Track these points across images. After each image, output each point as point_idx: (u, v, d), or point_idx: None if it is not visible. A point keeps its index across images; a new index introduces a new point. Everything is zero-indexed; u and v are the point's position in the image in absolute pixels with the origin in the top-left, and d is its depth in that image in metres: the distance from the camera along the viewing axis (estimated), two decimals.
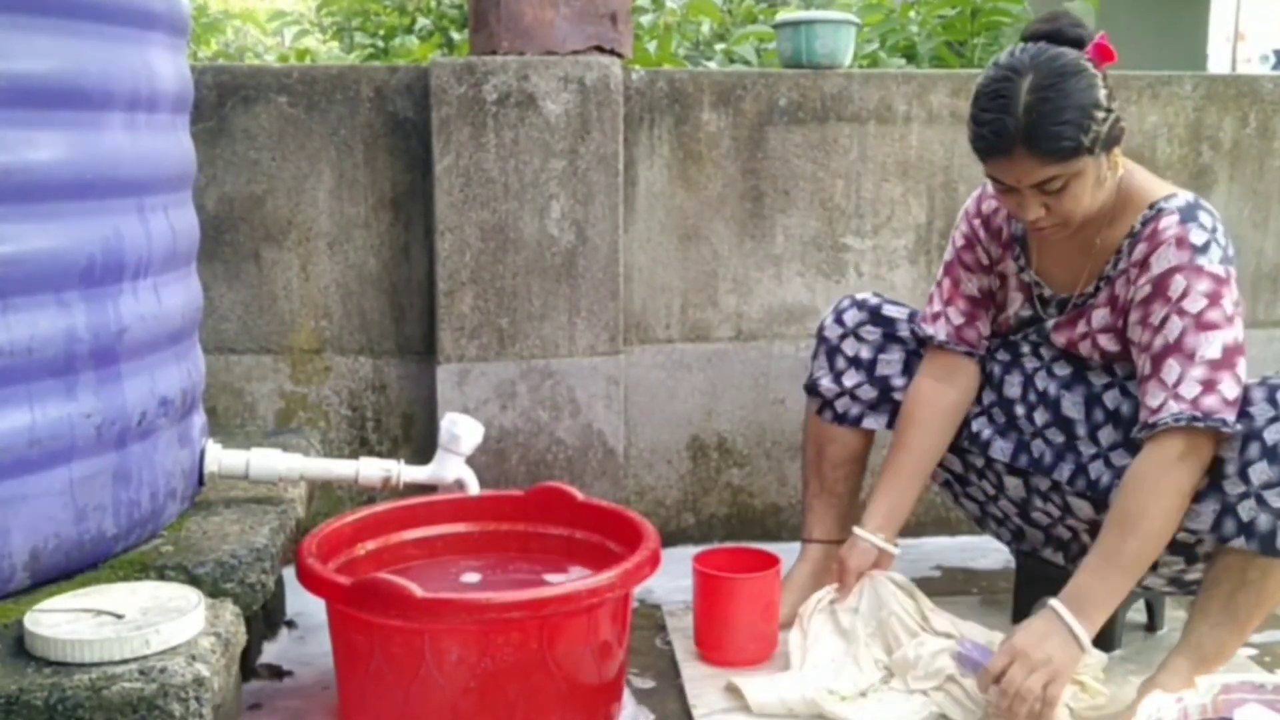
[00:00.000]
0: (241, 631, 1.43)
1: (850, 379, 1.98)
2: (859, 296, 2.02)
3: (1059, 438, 1.82)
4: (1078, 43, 1.62)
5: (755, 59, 3.44)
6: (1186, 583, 1.77)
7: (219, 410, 2.29)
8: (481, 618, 1.50)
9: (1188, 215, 1.64)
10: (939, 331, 1.92)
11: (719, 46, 4.06)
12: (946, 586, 2.22)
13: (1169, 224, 1.64)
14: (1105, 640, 1.91)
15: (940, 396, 1.91)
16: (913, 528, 2.43)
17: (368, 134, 2.27)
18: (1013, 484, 1.90)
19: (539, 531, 1.92)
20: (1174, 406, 1.57)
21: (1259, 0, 6.92)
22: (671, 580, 2.02)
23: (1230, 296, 1.61)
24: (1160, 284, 1.62)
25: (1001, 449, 1.88)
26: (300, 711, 1.73)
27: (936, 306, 1.94)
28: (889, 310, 2.00)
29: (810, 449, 2.06)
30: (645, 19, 3.66)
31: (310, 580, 1.58)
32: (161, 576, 1.51)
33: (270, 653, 1.93)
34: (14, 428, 1.38)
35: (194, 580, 1.51)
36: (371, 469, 1.88)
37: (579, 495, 1.90)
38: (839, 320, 2.01)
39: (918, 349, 1.97)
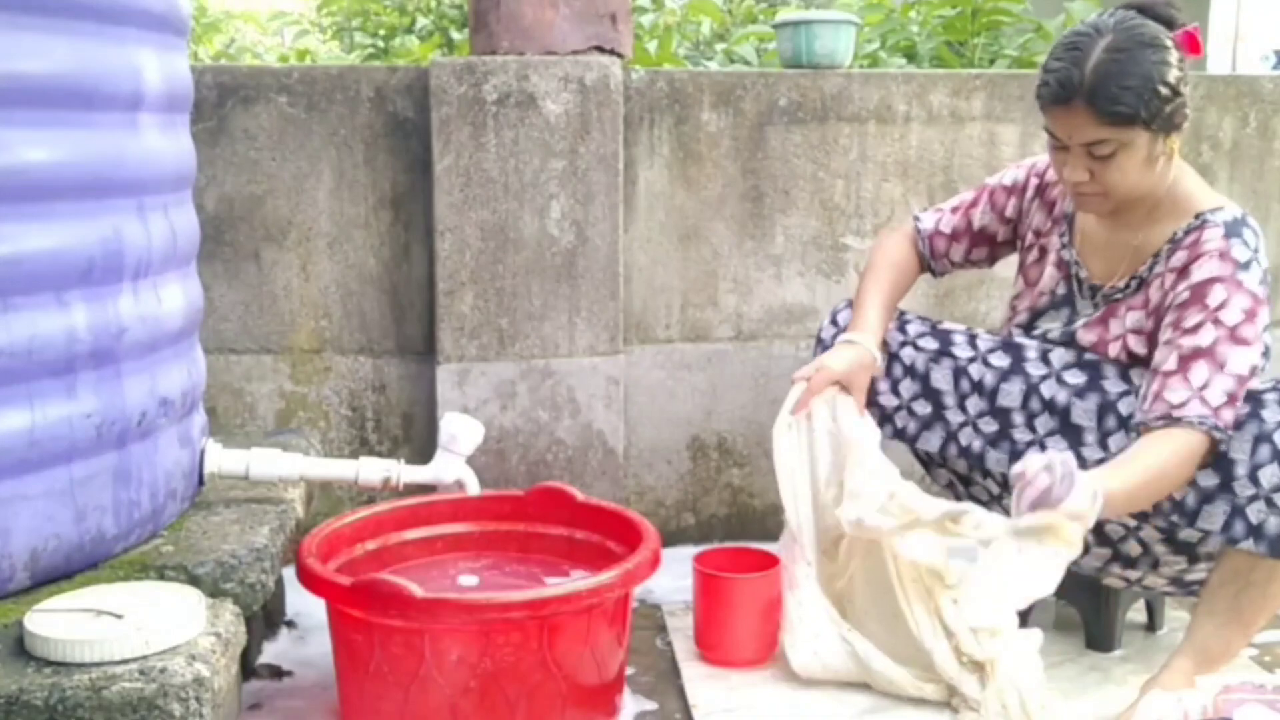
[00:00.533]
0: (241, 631, 1.43)
1: None
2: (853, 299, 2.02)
3: (1061, 444, 1.81)
4: (1168, 22, 1.64)
5: (755, 59, 3.44)
6: (1188, 583, 1.77)
7: (219, 410, 2.29)
8: (481, 618, 1.50)
9: (1233, 230, 1.65)
10: (925, 220, 1.99)
11: (719, 46, 4.06)
12: None
13: (1213, 236, 1.65)
14: (1105, 640, 1.91)
15: (912, 262, 1.99)
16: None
17: (368, 134, 2.27)
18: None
19: (539, 531, 1.92)
20: (1199, 408, 1.58)
21: (1259, 0, 6.91)
22: (671, 580, 2.02)
23: (1262, 319, 1.61)
24: (1199, 290, 1.62)
25: (996, 460, 1.86)
26: (300, 711, 1.73)
27: (944, 206, 2.01)
28: None
29: None
30: (645, 19, 3.66)
31: (310, 580, 1.58)
32: (161, 576, 1.51)
33: (270, 653, 1.93)
34: (14, 428, 1.38)
35: (194, 580, 1.51)
36: (371, 469, 1.87)
37: (579, 495, 1.90)
38: (833, 322, 2.02)
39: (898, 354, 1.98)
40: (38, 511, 1.43)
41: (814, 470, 1.84)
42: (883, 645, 1.74)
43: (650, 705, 1.76)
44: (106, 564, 1.54)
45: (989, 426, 1.86)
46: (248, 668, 1.81)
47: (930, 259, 1.99)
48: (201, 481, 1.78)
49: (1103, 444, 1.75)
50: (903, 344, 1.96)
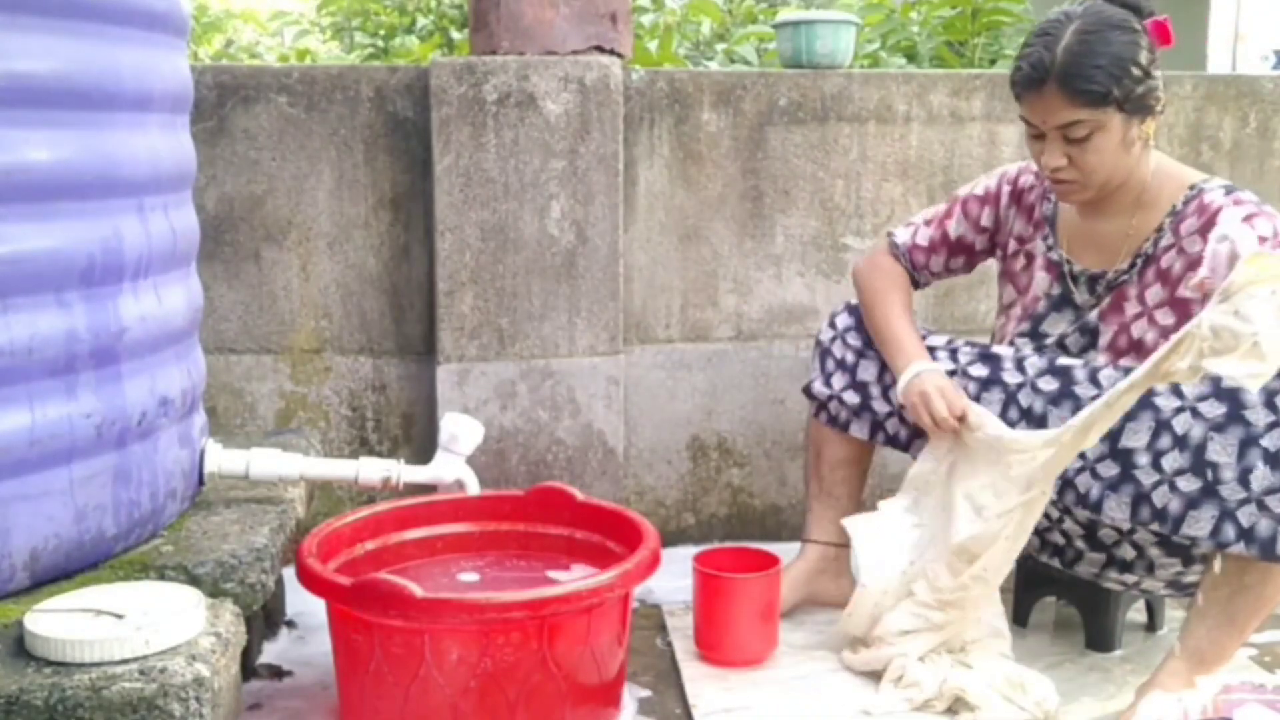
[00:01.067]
0: (241, 631, 1.43)
1: (838, 382, 1.99)
2: (853, 301, 2.02)
3: None
4: (1135, 9, 1.68)
5: (755, 59, 3.44)
6: (1185, 585, 1.77)
7: (219, 410, 2.29)
8: (481, 618, 1.50)
9: (1231, 189, 1.70)
10: (900, 235, 1.99)
11: (719, 46, 4.06)
12: None
13: (1216, 197, 1.68)
14: (1105, 640, 1.91)
15: (904, 276, 1.98)
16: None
17: (368, 134, 2.27)
18: None
19: (539, 531, 1.92)
20: None
21: (1259, 0, 6.92)
22: (671, 580, 2.02)
23: None
24: (1245, 225, 1.57)
25: None
26: (300, 711, 1.73)
27: (915, 220, 2.01)
28: None
29: (810, 450, 2.08)
30: (645, 19, 3.66)
31: (310, 580, 1.58)
32: (161, 576, 1.51)
33: (270, 653, 1.93)
34: (14, 428, 1.38)
35: (194, 580, 1.51)
36: (371, 469, 1.88)
37: (579, 495, 1.90)
38: (831, 323, 2.02)
39: None
40: (38, 511, 1.43)
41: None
42: None
43: (650, 705, 1.76)
44: (106, 564, 1.54)
45: None
46: (248, 668, 1.80)
47: (913, 272, 1.99)
48: (201, 481, 1.78)
49: (1080, 453, 1.72)
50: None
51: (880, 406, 1.94)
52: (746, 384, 2.45)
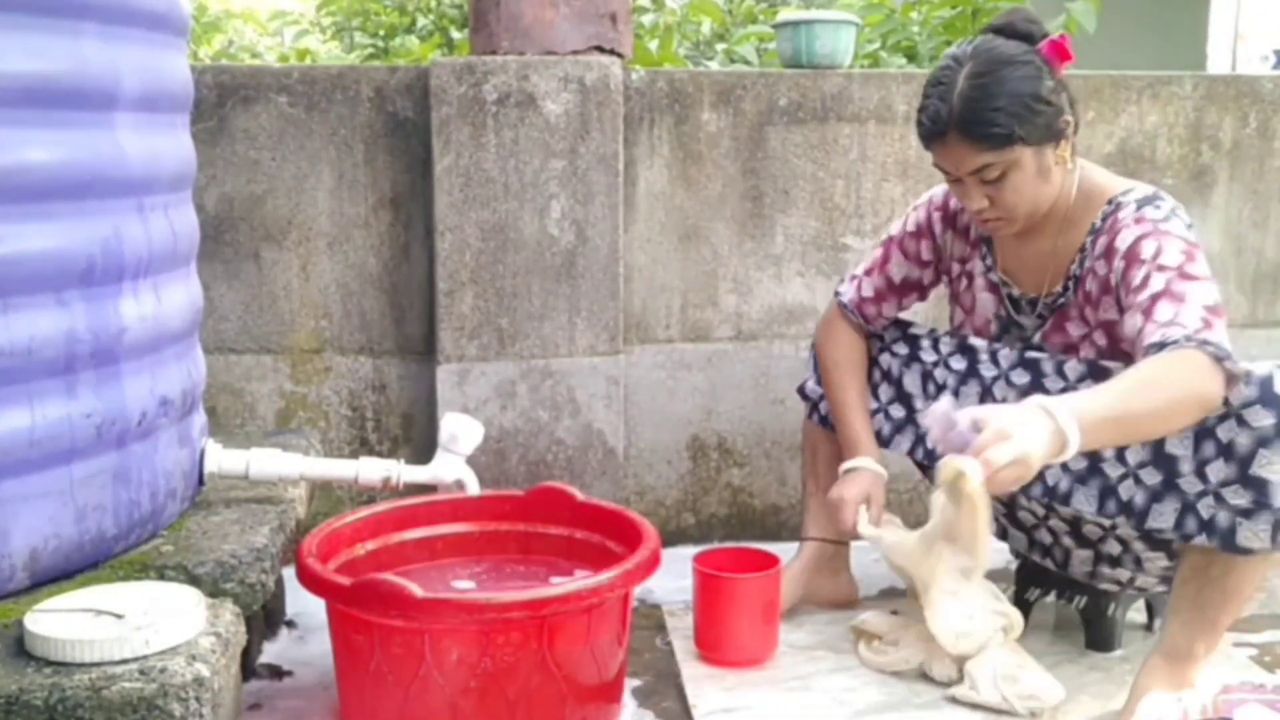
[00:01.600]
0: (241, 631, 1.43)
1: None
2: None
3: None
4: (1027, 37, 1.66)
5: (756, 59, 3.44)
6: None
7: (219, 410, 2.29)
8: (481, 618, 1.50)
9: (1144, 203, 1.66)
10: (846, 293, 1.99)
11: (719, 46, 4.06)
12: None
13: (1126, 213, 1.66)
14: (1105, 640, 1.91)
15: (848, 335, 1.98)
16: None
17: (368, 134, 2.27)
18: None
19: (539, 531, 1.92)
20: (1177, 333, 1.46)
21: (1259, 0, 6.92)
22: (671, 580, 2.02)
23: (1202, 260, 1.58)
24: (1131, 252, 1.61)
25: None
26: (300, 711, 1.73)
27: (859, 270, 2.00)
28: None
29: (806, 450, 2.09)
30: (645, 19, 3.66)
31: (310, 580, 1.58)
32: (161, 576, 1.51)
33: (270, 653, 1.93)
34: (14, 428, 1.38)
35: (194, 580, 1.51)
36: (371, 469, 1.88)
37: (579, 495, 1.90)
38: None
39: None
40: (38, 511, 1.43)
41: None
42: None
43: (650, 705, 1.76)
44: (106, 564, 1.54)
45: None
46: (248, 668, 1.80)
47: (868, 325, 1.99)
48: (201, 481, 1.78)
49: None
50: (880, 350, 1.99)
51: (869, 404, 1.96)
52: (746, 384, 2.46)
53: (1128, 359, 1.62)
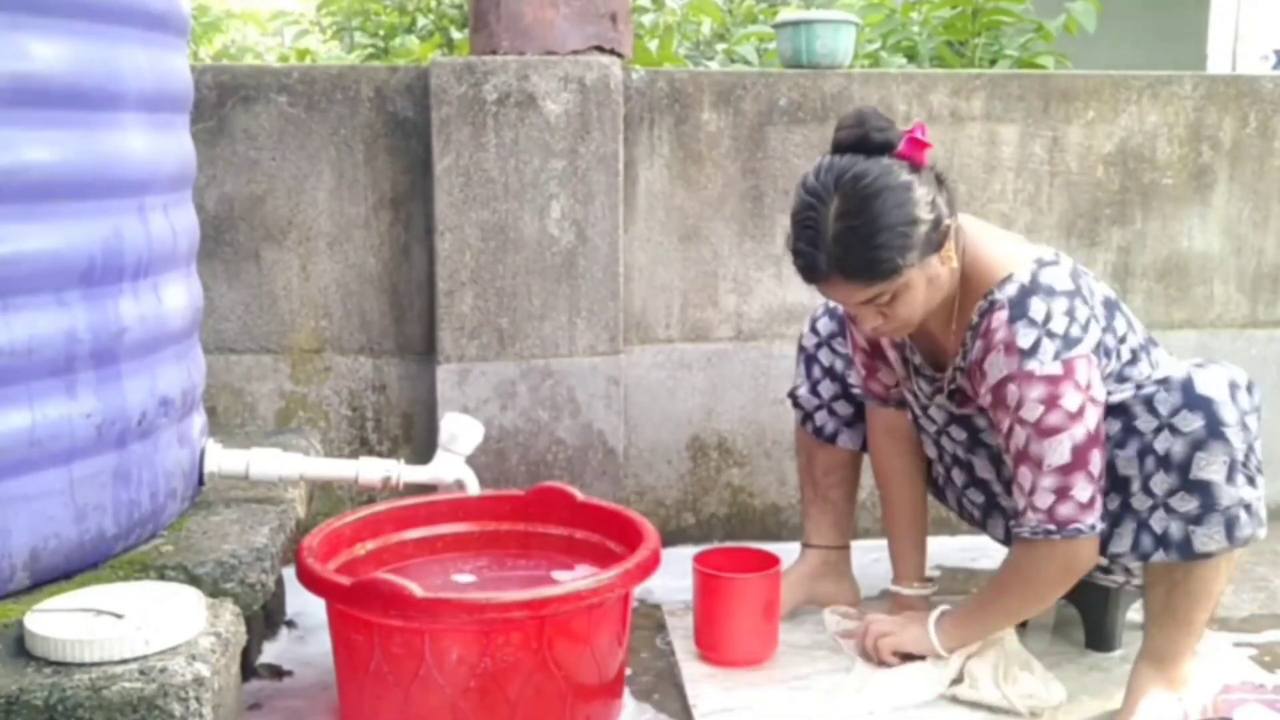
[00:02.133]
0: (241, 631, 1.43)
1: (827, 390, 1.99)
2: (831, 303, 1.99)
3: (979, 497, 1.87)
4: (884, 146, 1.54)
5: (756, 59, 3.44)
6: None
7: (219, 410, 2.29)
8: (481, 618, 1.50)
9: (1016, 311, 1.57)
10: (855, 382, 1.97)
11: (719, 46, 4.06)
12: (947, 586, 2.22)
13: (999, 323, 1.58)
14: (1105, 640, 1.91)
15: (890, 445, 1.93)
16: None
17: (368, 134, 2.27)
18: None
19: (539, 531, 1.92)
20: (1032, 518, 1.59)
21: (1259, 0, 6.91)
22: (671, 580, 2.02)
23: (1072, 392, 1.54)
24: (997, 394, 1.60)
25: (950, 498, 1.96)
26: (300, 711, 1.73)
27: (845, 369, 1.99)
28: None
29: (801, 456, 2.08)
30: (645, 19, 3.66)
31: (310, 580, 1.58)
32: (161, 576, 1.51)
33: (270, 653, 1.93)
34: (14, 428, 1.38)
35: (194, 580, 1.51)
36: (371, 469, 1.87)
37: (579, 495, 1.90)
38: (814, 329, 2.02)
39: None
40: (38, 511, 1.43)
41: None
42: None
43: (650, 705, 1.76)
44: (106, 564, 1.54)
45: (936, 472, 1.95)
46: (248, 668, 1.81)
47: (883, 400, 1.91)
48: (201, 481, 1.78)
49: (1010, 491, 1.74)
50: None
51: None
52: (746, 384, 2.45)
53: None
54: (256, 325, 2.29)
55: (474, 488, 1.96)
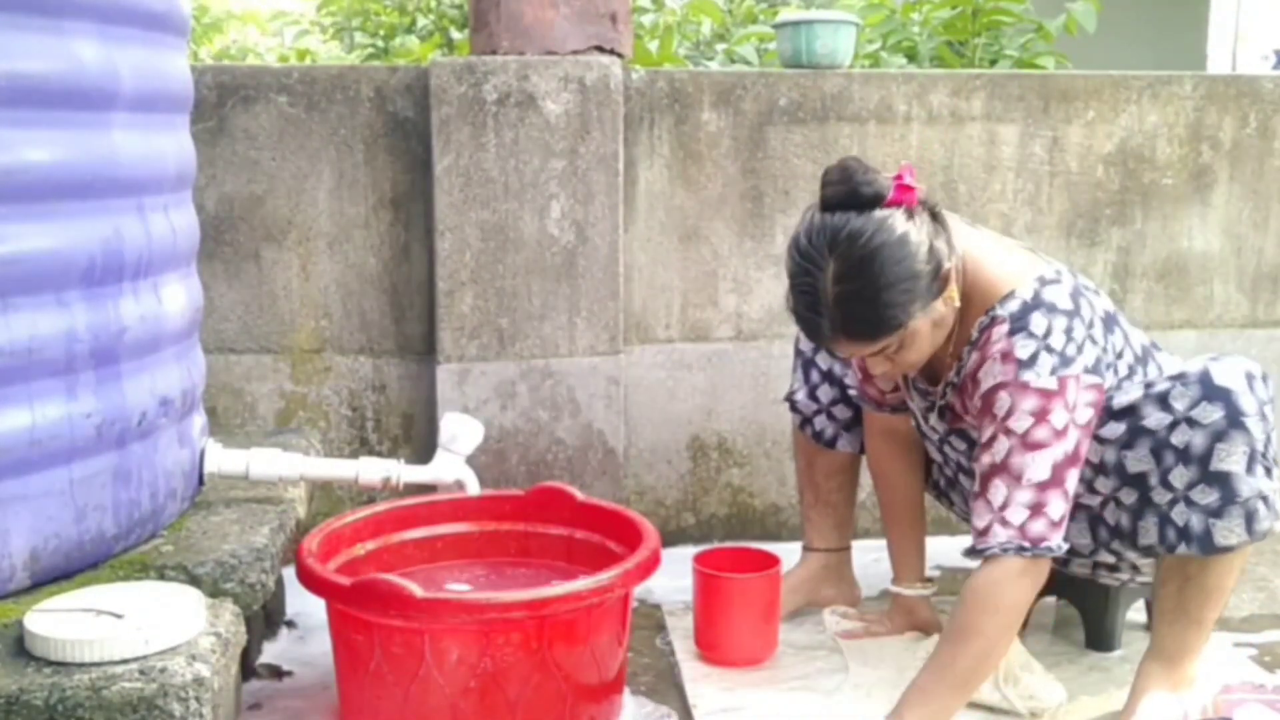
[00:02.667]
0: (241, 631, 1.43)
1: (825, 394, 1.98)
2: None
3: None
4: (874, 200, 1.50)
5: (756, 59, 3.44)
6: None
7: (219, 410, 2.29)
8: (481, 618, 1.50)
9: (1017, 324, 1.56)
10: (852, 384, 1.95)
11: (719, 46, 4.06)
12: (947, 586, 2.22)
13: (999, 335, 1.57)
14: (1105, 640, 1.91)
15: (888, 447, 1.93)
16: None
17: (368, 134, 2.27)
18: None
19: (539, 531, 1.92)
20: (1001, 534, 1.52)
21: (1259, 0, 6.91)
22: (671, 580, 2.02)
23: (1060, 410, 1.52)
24: (987, 400, 1.58)
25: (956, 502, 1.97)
26: (300, 711, 1.73)
27: (846, 375, 1.97)
28: None
29: (800, 459, 2.07)
30: (645, 19, 3.66)
31: (310, 580, 1.58)
32: (161, 576, 1.51)
33: (270, 653, 1.93)
34: (14, 428, 1.38)
35: (194, 580, 1.51)
36: (371, 469, 1.88)
37: (579, 495, 1.90)
38: None
39: None
40: (38, 511, 1.43)
41: None
42: None
43: (650, 705, 1.76)
44: (106, 564, 1.54)
45: (936, 476, 1.96)
46: (248, 668, 1.81)
47: (878, 405, 1.90)
48: (201, 481, 1.78)
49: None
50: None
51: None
52: (746, 384, 2.45)
53: None
54: (256, 325, 2.29)
55: (474, 488, 1.96)
